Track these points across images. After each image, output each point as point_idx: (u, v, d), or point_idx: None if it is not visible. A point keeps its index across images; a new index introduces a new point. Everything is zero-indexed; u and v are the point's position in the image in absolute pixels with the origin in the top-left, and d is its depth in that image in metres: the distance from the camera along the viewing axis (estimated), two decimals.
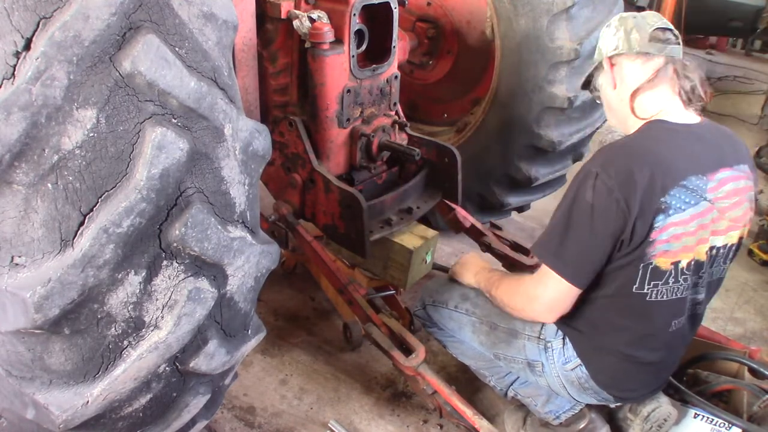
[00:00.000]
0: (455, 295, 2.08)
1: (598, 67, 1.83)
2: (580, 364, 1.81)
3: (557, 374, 1.86)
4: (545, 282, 1.69)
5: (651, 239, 1.58)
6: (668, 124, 1.66)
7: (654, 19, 1.72)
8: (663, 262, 1.61)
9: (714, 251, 1.68)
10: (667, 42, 1.69)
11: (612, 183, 1.54)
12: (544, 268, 1.69)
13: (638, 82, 1.71)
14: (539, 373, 1.90)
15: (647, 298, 1.65)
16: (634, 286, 1.64)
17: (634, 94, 1.72)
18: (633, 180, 1.54)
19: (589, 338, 1.79)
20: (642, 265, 1.61)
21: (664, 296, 1.66)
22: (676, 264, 1.62)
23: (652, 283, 1.63)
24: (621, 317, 1.71)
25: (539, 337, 1.86)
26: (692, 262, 1.64)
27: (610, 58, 1.76)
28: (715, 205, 1.62)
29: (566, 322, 1.79)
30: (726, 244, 1.69)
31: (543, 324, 1.86)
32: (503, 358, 1.97)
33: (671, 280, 1.64)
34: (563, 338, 1.83)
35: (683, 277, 1.65)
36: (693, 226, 1.60)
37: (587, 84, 1.93)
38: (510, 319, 1.91)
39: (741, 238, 1.73)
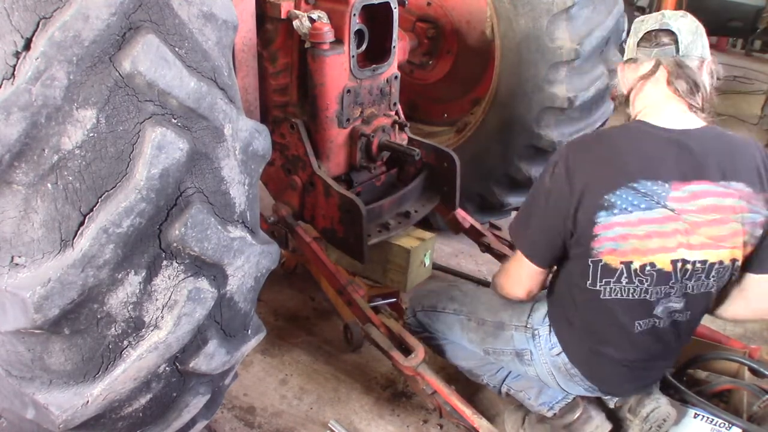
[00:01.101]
0: (442, 297, 2.15)
1: None
2: (561, 351, 1.85)
3: (545, 360, 1.89)
4: (518, 260, 1.83)
5: (594, 233, 1.61)
6: (646, 126, 1.65)
7: (651, 22, 1.69)
8: (612, 260, 1.63)
9: (685, 264, 1.63)
10: (657, 45, 1.66)
11: (567, 171, 1.63)
12: (518, 252, 1.82)
13: (628, 87, 1.75)
14: (528, 362, 1.93)
15: (601, 296, 1.69)
16: (588, 282, 1.69)
17: (628, 98, 1.76)
18: (584, 171, 1.61)
19: (564, 329, 1.84)
20: (591, 260, 1.65)
21: (619, 295, 1.68)
22: (627, 264, 1.63)
23: (603, 280, 1.67)
24: (583, 311, 1.77)
25: (526, 326, 1.91)
26: (648, 267, 1.62)
27: (624, 63, 1.78)
28: (681, 217, 1.59)
29: (548, 311, 1.88)
30: (706, 261, 1.63)
31: (530, 313, 1.92)
32: (492, 352, 2.01)
33: (624, 280, 1.65)
34: (549, 325, 1.87)
35: (638, 279, 1.64)
36: (642, 230, 1.59)
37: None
38: (496, 312, 1.98)
39: (734, 260, 1.65)
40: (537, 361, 1.91)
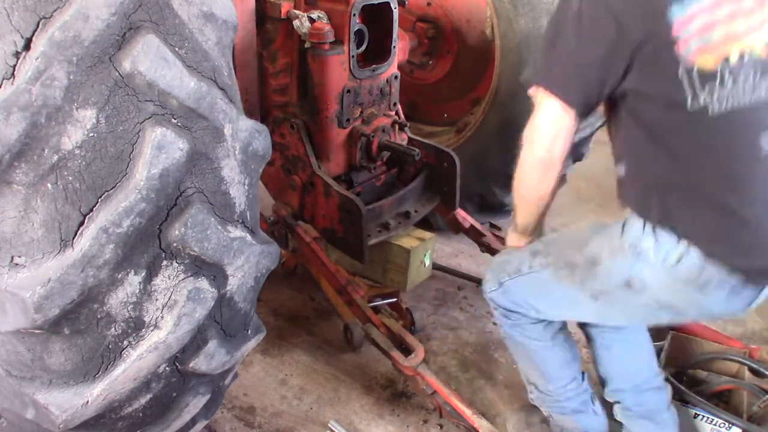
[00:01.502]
0: (525, 257, 1.83)
1: None
2: (686, 250, 1.50)
3: (662, 278, 1.56)
4: (540, 108, 1.57)
5: (675, 37, 1.38)
6: None
7: None
8: (706, 61, 1.40)
9: None
10: None
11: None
12: (538, 96, 1.57)
13: None
14: (640, 289, 1.59)
15: (710, 113, 1.41)
16: (689, 103, 1.41)
17: None
18: None
19: (681, 205, 1.52)
20: (681, 72, 1.40)
21: (729, 102, 1.42)
22: (725, 60, 1.40)
23: (705, 88, 1.41)
24: (695, 152, 1.47)
25: (624, 248, 1.58)
26: (746, 56, 1.42)
27: None
28: None
29: (646, 213, 1.55)
30: None
31: (622, 231, 1.59)
32: (600, 295, 1.68)
33: (729, 82, 1.41)
34: (653, 233, 1.53)
35: (742, 73, 1.42)
36: (723, 12, 1.41)
37: None
38: (583, 247, 1.68)
39: None
40: (650, 284, 1.57)
